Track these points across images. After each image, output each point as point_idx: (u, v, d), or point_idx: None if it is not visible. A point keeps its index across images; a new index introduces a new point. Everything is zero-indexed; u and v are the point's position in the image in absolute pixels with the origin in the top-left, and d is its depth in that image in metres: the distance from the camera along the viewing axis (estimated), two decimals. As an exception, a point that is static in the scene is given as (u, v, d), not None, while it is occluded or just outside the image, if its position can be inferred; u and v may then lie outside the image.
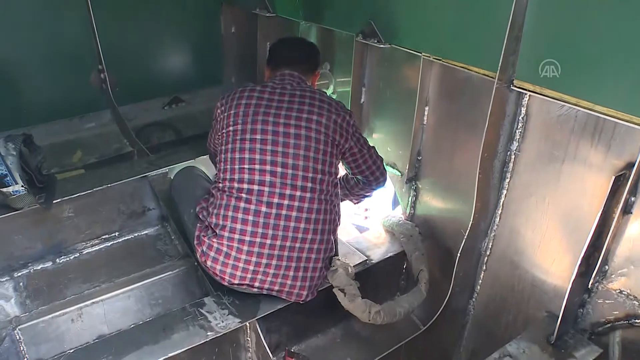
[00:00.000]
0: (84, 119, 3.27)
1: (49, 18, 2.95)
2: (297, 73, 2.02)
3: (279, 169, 1.81)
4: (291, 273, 1.85)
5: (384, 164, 2.12)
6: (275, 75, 2.03)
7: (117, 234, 2.48)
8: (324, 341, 2.14)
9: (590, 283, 1.56)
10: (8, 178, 2.13)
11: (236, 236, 1.81)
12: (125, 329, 2.00)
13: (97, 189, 2.37)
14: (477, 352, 2.08)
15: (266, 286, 1.86)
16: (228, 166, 1.87)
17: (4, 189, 2.14)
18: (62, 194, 2.31)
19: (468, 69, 1.73)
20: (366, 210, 2.87)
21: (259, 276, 1.84)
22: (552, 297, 1.71)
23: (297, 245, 1.83)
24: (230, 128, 1.88)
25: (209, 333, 1.77)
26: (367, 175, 2.06)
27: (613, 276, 1.52)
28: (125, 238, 2.49)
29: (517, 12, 1.46)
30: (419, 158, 2.15)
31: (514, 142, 1.70)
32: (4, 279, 2.22)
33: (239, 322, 1.83)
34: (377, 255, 2.19)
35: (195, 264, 2.13)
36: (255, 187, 1.81)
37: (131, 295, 2.15)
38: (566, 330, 1.63)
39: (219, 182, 1.90)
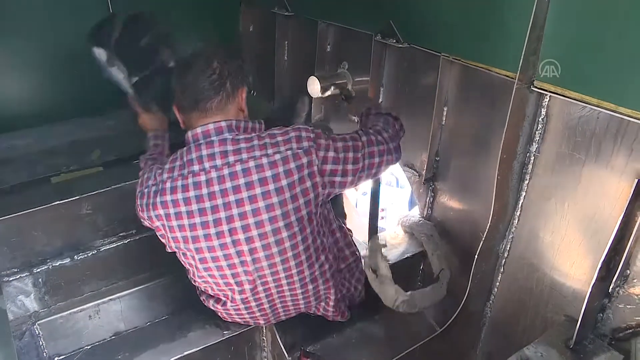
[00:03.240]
0: (104, 116, 3.30)
1: (71, 15, 2.98)
2: (223, 123, 1.57)
3: (251, 267, 1.65)
4: (291, 307, 1.88)
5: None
6: (195, 133, 1.58)
7: (134, 231, 2.50)
8: (340, 342, 2.13)
9: (610, 287, 1.53)
10: None
11: (232, 311, 1.83)
12: (142, 326, 2.02)
13: (115, 186, 2.39)
14: (494, 354, 2.06)
15: (272, 321, 1.92)
16: (197, 279, 1.76)
17: None
18: (81, 191, 2.33)
19: (488, 70, 1.71)
20: (382, 210, 2.87)
21: (261, 321, 1.89)
22: (571, 300, 1.68)
23: (291, 299, 1.82)
24: (182, 246, 1.64)
25: (224, 332, 1.78)
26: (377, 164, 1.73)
27: (635, 281, 1.48)
28: (143, 236, 2.50)
29: (538, 12, 1.44)
30: (437, 159, 2.13)
31: (534, 144, 1.68)
32: (24, 275, 2.24)
33: (255, 321, 1.84)
34: (394, 255, 2.18)
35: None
36: (236, 288, 1.72)
37: (148, 292, 2.17)
38: (585, 335, 1.60)
39: (195, 282, 1.82)
